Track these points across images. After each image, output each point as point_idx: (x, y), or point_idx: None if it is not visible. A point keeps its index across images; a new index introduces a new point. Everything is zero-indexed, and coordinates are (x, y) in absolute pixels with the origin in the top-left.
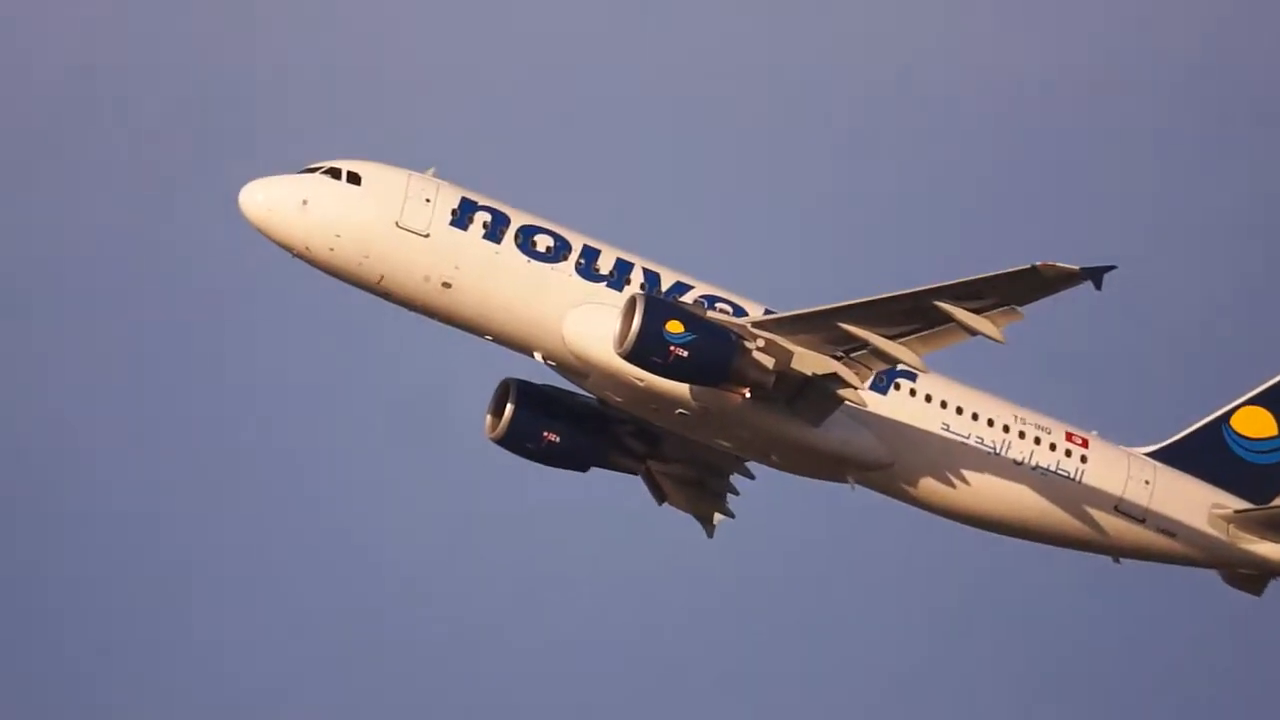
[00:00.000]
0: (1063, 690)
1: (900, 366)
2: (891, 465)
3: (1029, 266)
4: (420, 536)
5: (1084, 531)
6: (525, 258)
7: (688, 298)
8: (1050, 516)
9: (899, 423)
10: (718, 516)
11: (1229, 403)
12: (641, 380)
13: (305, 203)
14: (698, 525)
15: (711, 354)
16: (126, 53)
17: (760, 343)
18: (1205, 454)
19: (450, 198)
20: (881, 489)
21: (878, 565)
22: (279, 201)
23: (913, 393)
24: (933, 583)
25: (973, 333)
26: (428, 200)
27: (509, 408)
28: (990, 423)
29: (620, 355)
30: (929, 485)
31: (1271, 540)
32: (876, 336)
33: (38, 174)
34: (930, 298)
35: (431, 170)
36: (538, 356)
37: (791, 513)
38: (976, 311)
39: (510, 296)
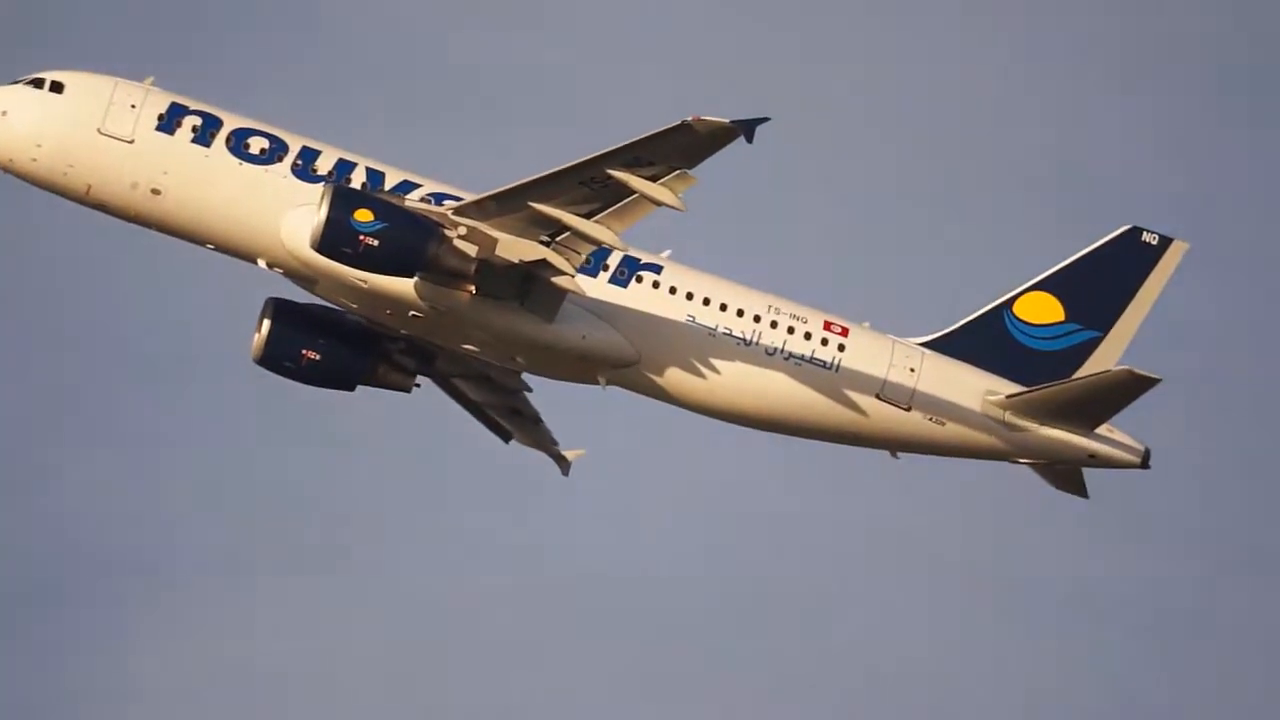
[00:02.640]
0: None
1: (605, 246)
2: (637, 361)
3: (680, 122)
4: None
5: (848, 419)
6: (237, 160)
7: (414, 195)
8: (810, 407)
9: (642, 315)
10: (571, 452)
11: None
12: (364, 281)
13: (4, 114)
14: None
15: (403, 241)
16: None
17: (462, 230)
18: (986, 342)
19: (159, 103)
20: (633, 387)
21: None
22: None
23: (656, 285)
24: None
25: (655, 202)
26: (133, 106)
27: (265, 325)
28: (740, 313)
29: (313, 248)
30: (679, 379)
31: (1053, 425)
32: (569, 215)
33: None
34: (600, 165)
35: (149, 80)
36: (261, 264)
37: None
38: (653, 179)
39: (223, 201)
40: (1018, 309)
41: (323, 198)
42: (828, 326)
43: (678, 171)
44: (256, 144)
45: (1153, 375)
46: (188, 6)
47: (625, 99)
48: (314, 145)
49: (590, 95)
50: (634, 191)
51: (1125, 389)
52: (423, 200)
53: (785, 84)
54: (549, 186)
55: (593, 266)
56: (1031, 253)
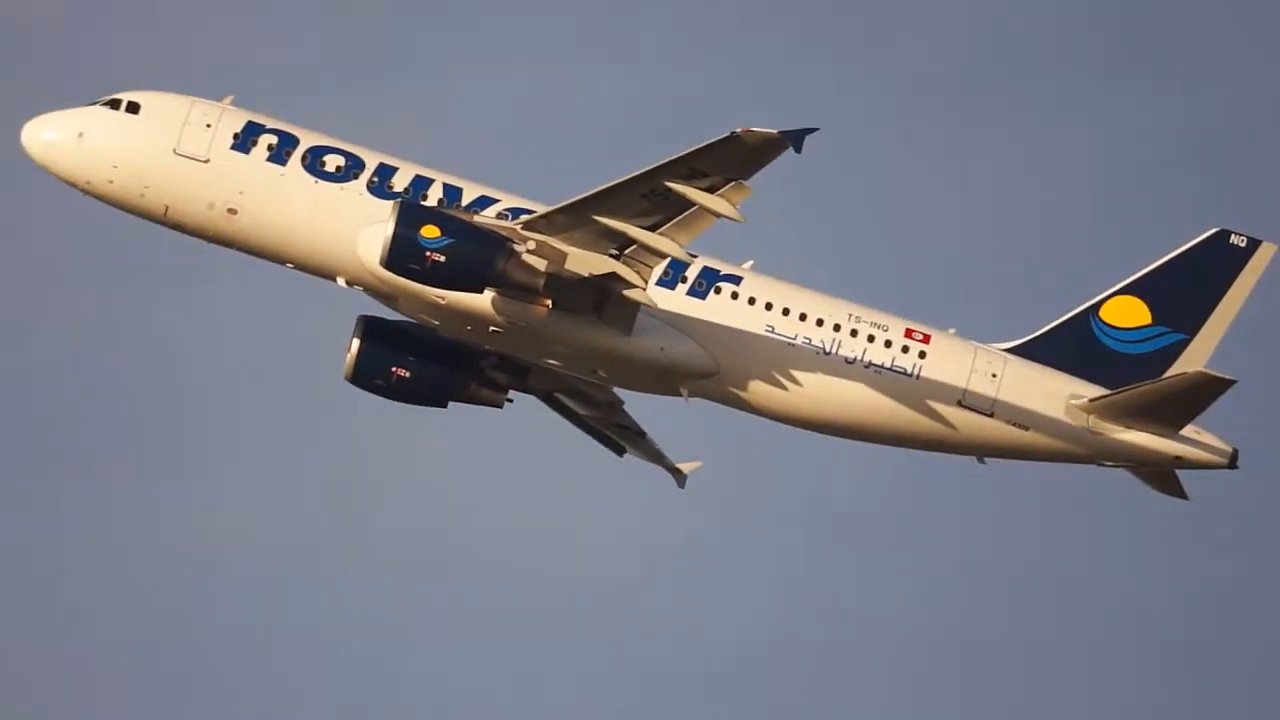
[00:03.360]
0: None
1: (670, 258)
2: (717, 372)
3: (729, 133)
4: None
5: (930, 428)
6: (313, 178)
7: (490, 211)
8: (893, 415)
9: (721, 327)
10: (687, 465)
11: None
12: (442, 298)
13: (81, 135)
14: (666, 476)
15: (470, 257)
16: None
17: (531, 245)
18: (1073, 346)
19: (234, 122)
20: (716, 398)
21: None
22: (56, 136)
23: (735, 296)
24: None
25: (714, 213)
26: (209, 125)
27: (354, 344)
28: (820, 322)
29: (381, 265)
30: (760, 390)
31: (1137, 428)
32: (633, 228)
33: None
34: (657, 178)
35: (228, 99)
36: (341, 281)
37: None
38: (710, 190)
39: (300, 218)
40: (1104, 313)
41: (391, 213)
42: (909, 334)
43: (733, 183)
44: (332, 161)
45: (1227, 377)
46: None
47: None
48: (391, 162)
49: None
50: (693, 203)
51: (1202, 391)
52: (499, 215)
53: (856, 88)
54: (611, 200)
55: (670, 279)
56: (1122, 254)
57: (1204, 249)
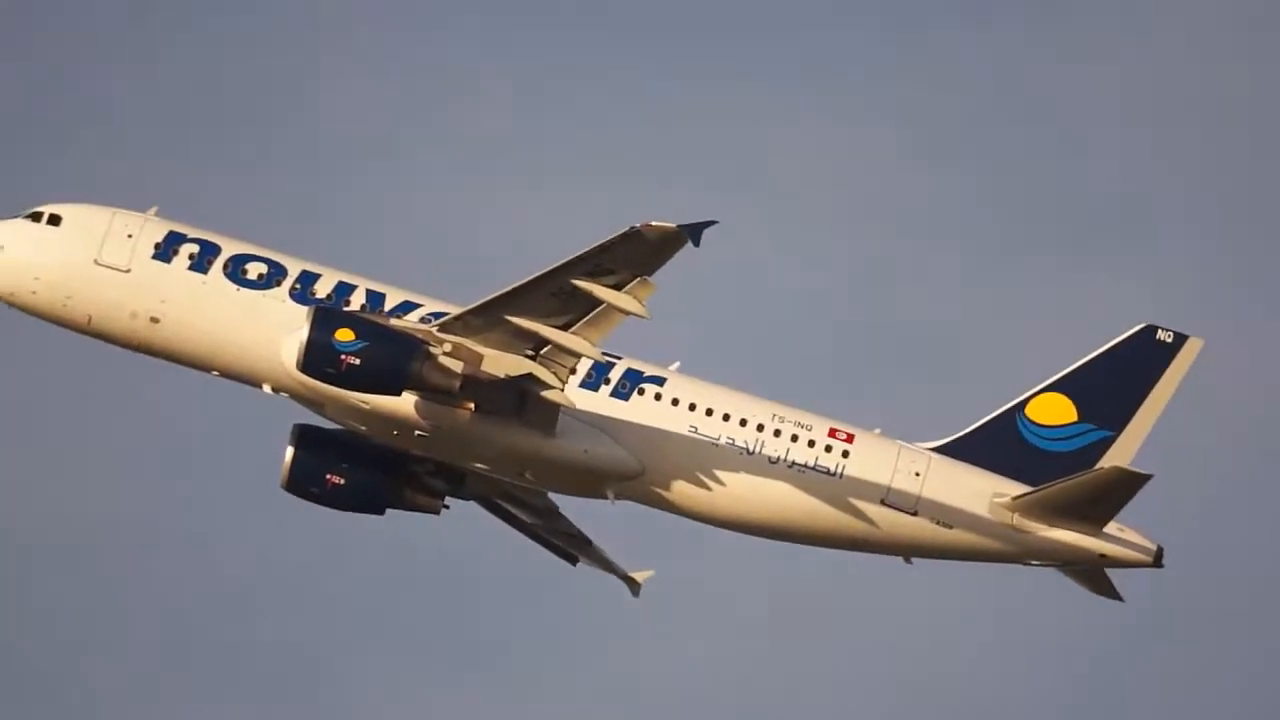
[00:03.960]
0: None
1: (584, 358)
2: (641, 473)
3: (629, 229)
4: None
5: (854, 526)
6: (235, 286)
7: (413, 315)
8: (815, 514)
9: (644, 428)
10: (640, 574)
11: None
12: (366, 402)
13: (2, 248)
14: (620, 586)
15: (385, 359)
16: None
17: (447, 346)
18: (999, 445)
19: (156, 232)
20: (641, 500)
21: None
22: None
23: (658, 397)
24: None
25: (621, 311)
26: (129, 236)
27: (289, 452)
28: (743, 422)
29: (298, 369)
30: (684, 491)
31: (1061, 526)
32: (545, 328)
33: None
34: (565, 276)
35: (153, 210)
36: (267, 389)
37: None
38: (617, 287)
39: (221, 327)
40: (1030, 411)
41: (306, 318)
42: (833, 433)
43: (638, 279)
44: (254, 269)
45: (1142, 472)
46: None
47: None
48: (314, 269)
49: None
50: (601, 301)
51: (1118, 487)
52: (422, 320)
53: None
54: (521, 299)
55: (594, 380)
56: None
57: (1130, 345)
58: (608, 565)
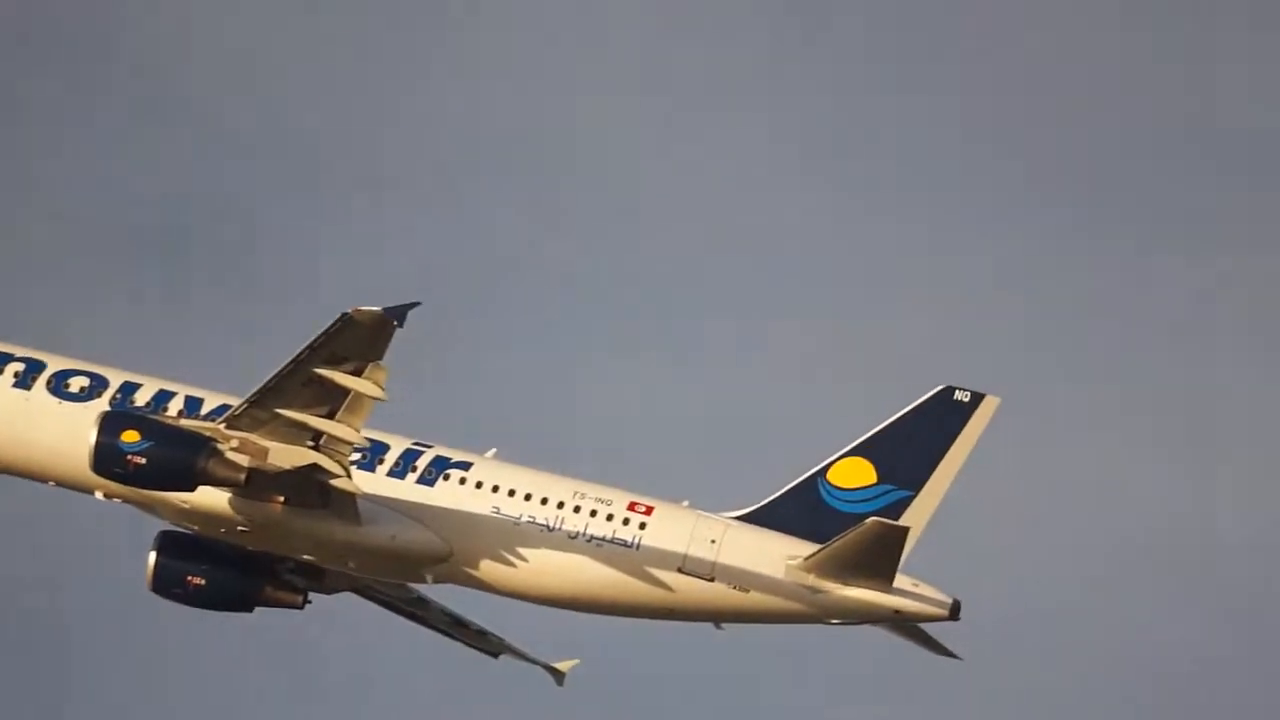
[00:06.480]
0: None
1: (354, 443)
2: (450, 555)
3: (341, 315)
4: None
5: (653, 595)
6: (57, 400)
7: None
8: (615, 585)
9: (450, 511)
10: (564, 663)
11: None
12: (185, 502)
13: None
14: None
15: (169, 458)
16: None
17: (234, 442)
18: (803, 511)
19: None
20: (456, 581)
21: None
22: None
23: (463, 481)
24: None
25: (361, 394)
26: None
27: (151, 556)
28: (544, 500)
29: (93, 472)
30: (492, 569)
31: (853, 584)
32: (312, 418)
33: None
34: (306, 366)
35: None
36: (99, 495)
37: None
38: (357, 373)
39: (47, 439)
40: (832, 475)
41: (94, 423)
42: (632, 507)
43: (372, 364)
44: (76, 383)
45: (899, 525)
46: None
47: None
48: (135, 379)
49: None
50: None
51: (883, 539)
52: (209, 416)
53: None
54: (282, 392)
55: (401, 469)
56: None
57: (929, 406)
58: (523, 656)
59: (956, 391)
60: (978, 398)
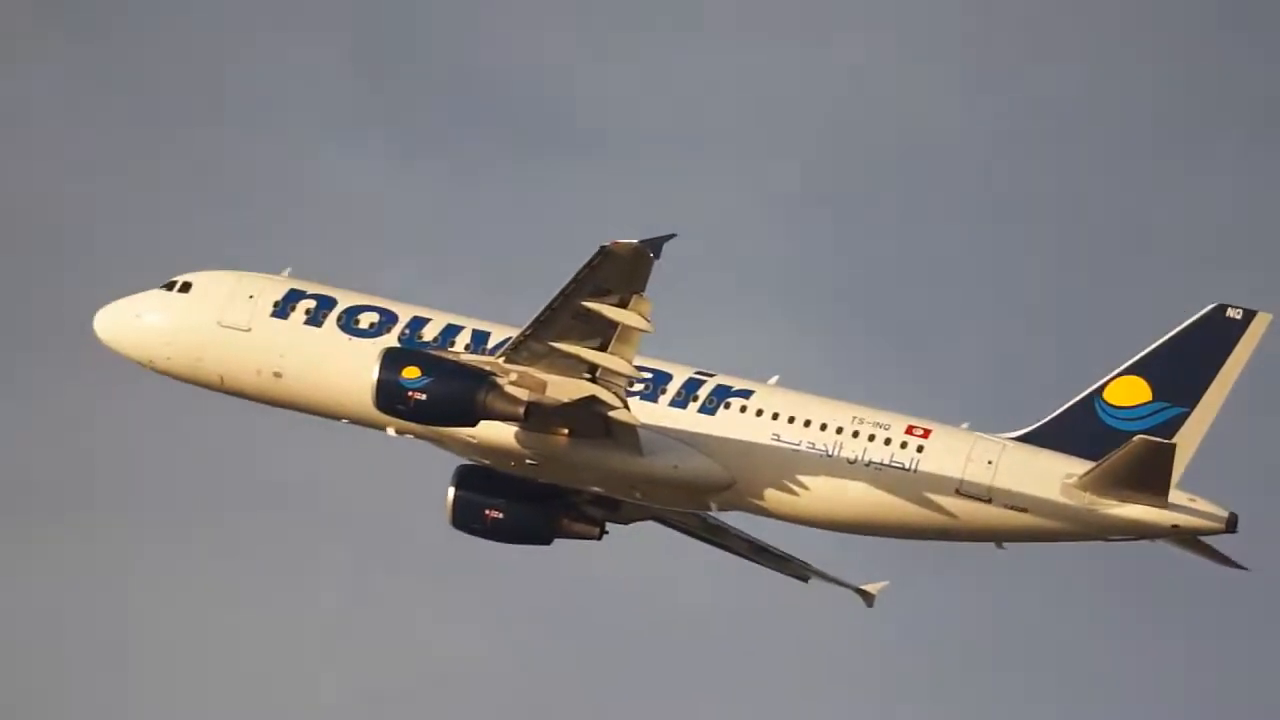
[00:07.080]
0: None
1: (626, 375)
2: (733, 483)
3: (600, 248)
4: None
5: (930, 518)
6: (347, 336)
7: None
8: (894, 508)
9: (731, 440)
10: (873, 585)
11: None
12: (473, 437)
13: (138, 317)
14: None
15: (450, 394)
16: None
17: (513, 376)
18: (1080, 430)
19: (276, 290)
20: (740, 508)
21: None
22: (118, 320)
23: (743, 409)
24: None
25: (627, 326)
26: (251, 297)
27: (450, 492)
28: (824, 427)
29: (376, 409)
30: (774, 496)
31: (1129, 500)
32: (588, 351)
33: None
34: (571, 300)
35: (286, 271)
36: (390, 431)
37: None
38: (622, 305)
39: (339, 376)
40: (1108, 394)
41: (375, 359)
42: (910, 430)
43: (635, 296)
44: (366, 319)
45: (1165, 441)
46: None
47: None
48: (424, 314)
49: None
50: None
51: (1152, 456)
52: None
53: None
54: (552, 325)
55: (683, 398)
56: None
57: (1201, 325)
58: (830, 579)
59: (1229, 309)
60: (1250, 315)
